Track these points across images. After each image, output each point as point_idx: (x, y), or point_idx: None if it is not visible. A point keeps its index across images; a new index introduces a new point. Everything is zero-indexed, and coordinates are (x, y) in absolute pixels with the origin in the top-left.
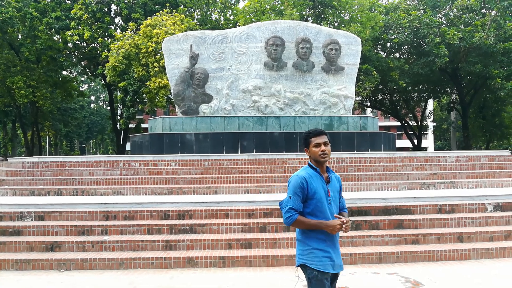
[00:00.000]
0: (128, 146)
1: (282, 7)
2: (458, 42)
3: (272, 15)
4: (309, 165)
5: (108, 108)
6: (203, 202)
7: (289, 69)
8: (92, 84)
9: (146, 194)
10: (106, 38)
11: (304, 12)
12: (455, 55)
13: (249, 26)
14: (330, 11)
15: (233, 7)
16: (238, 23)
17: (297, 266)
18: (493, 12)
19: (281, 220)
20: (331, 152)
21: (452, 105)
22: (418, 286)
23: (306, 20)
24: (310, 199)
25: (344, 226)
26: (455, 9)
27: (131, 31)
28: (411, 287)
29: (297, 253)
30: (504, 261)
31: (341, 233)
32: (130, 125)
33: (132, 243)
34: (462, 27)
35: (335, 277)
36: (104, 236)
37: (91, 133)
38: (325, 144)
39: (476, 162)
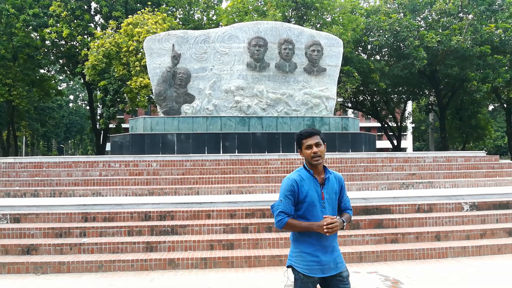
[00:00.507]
0: (108, 147)
1: (265, 8)
2: (436, 45)
3: (255, 15)
4: (304, 166)
5: (88, 107)
6: (184, 203)
7: (272, 69)
8: (71, 83)
9: (126, 195)
10: (85, 36)
11: (287, 13)
12: (434, 58)
13: (232, 26)
14: (312, 12)
15: (216, 7)
16: (221, 23)
17: (287, 267)
18: (470, 16)
19: (263, 220)
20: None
21: (430, 106)
22: (397, 285)
23: (289, 21)
24: (301, 202)
25: (325, 226)
26: (433, 13)
27: (111, 30)
28: (390, 286)
29: (289, 254)
30: (480, 259)
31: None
32: (110, 125)
33: (112, 245)
34: (440, 31)
35: (331, 279)
36: (83, 238)
37: (70, 133)
38: (317, 145)
39: (453, 163)
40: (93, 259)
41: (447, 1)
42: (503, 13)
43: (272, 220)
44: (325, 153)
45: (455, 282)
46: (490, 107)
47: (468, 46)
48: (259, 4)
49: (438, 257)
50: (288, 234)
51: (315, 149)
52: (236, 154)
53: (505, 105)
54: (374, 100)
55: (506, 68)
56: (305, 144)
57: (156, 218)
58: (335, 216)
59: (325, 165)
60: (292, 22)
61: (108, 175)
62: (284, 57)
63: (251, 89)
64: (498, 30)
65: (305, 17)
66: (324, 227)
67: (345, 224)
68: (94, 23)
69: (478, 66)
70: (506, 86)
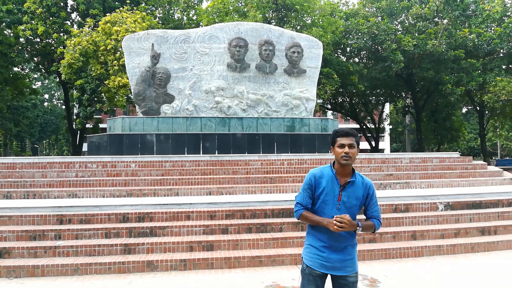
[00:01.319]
0: (85, 147)
1: (246, 9)
2: (412, 48)
3: (236, 16)
4: (331, 164)
5: (63, 107)
6: (164, 204)
7: (252, 70)
8: (46, 81)
9: (104, 197)
10: (61, 34)
11: (267, 15)
12: (410, 61)
13: (213, 26)
14: (292, 14)
15: (196, 7)
16: (201, 23)
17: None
18: (445, 21)
19: (243, 221)
20: (295, 154)
21: (407, 108)
22: (375, 283)
23: (269, 23)
24: (317, 198)
25: (334, 222)
26: (410, 17)
27: (89, 28)
28: (368, 285)
29: None
30: (454, 257)
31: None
32: (87, 125)
33: (88, 248)
34: (416, 35)
35: (337, 279)
36: (58, 241)
37: (44, 133)
38: (350, 146)
39: (428, 164)
40: (69, 262)
41: (423, 6)
42: (476, 19)
43: (252, 221)
44: (305, 154)
45: (431, 279)
46: (464, 110)
47: (443, 50)
48: (240, 5)
49: (414, 256)
50: (267, 236)
51: (347, 149)
52: (216, 155)
53: (477, 107)
54: (353, 102)
55: (479, 72)
56: (339, 142)
57: (134, 219)
58: (347, 216)
59: (354, 169)
60: (273, 23)
61: (84, 176)
62: (265, 58)
63: (231, 90)
64: (472, 35)
65: (285, 19)
66: (334, 223)
67: (359, 228)
68: (71, 20)
69: (452, 70)
70: (479, 89)
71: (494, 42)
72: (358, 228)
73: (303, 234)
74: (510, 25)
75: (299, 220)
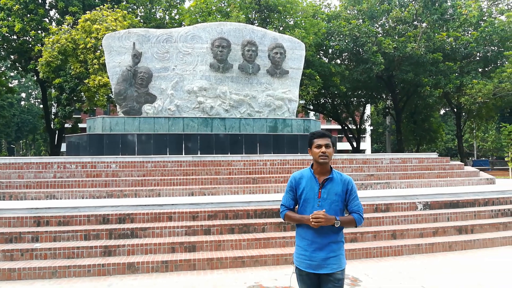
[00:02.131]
0: (63, 147)
1: (229, 9)
2: (392, 51)
3: (218, 16)
4: (311, 165)
5: (41, 106)
6: (145, 205)
7: (235, 71)
8: (23, 80)
9: (83, 198)
10: (39, 32)
11: (250, 15)
12: (390, 63)
13: (195, 26)
14: (275, 15)
15: (178, 6)
16: (183, 23)
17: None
18: (424, 24)
19: (226, 222)
20: (278, 154)
21: (387, 110)
22: (356, 282)
23: (252, 23)
24: (299, 198)
25: (311, 218)
26: (390, 20)
27: (68, 25)
28: (349, 284)
29: None
30: (433, 256)
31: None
32: (66, 125)
33: (67, 250)
34: (396, 37)
35: (324, 277)
36: (35, 243)
37: (21, 133)
38: (326, 146)
39: (408, 164)
40: (47, 265)
41: (403, 9)
42: (454, 23)
43: (235, 222)
44: (288, 154)
45: (410, 278)
46: (442, 112)
47: (422, 53)
48: (223, 5)
49: (395, 254)
50: (249, 236)
51: (324, 149)
52: (199, 155)
53: (455, 109)
54: (335, 103)
55: (456, 74)
56: (316, 143)
57: (115, 221)
58: (323, 211)
59: (332, 167)
60: (256, 24)
61: (63, 177)
62: (248, 58)
63: (214, 90)
64: (450, 39)
65: (268, 20)
66: (311, 219)
67: (337, 221)
68: (49, 18)
69: (431, 72)
70: (456, 91)
71: (471, 46)
72: (336, 221)
73: (286, 234)
74: (486, 29)
75: (286, 221)
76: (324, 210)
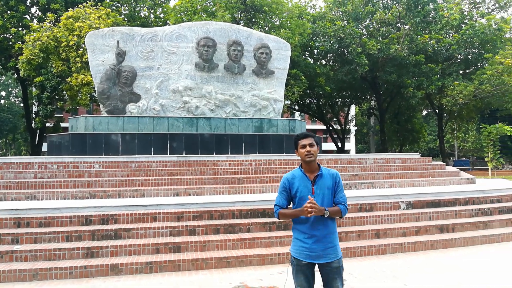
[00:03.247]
0: (44, 147)
1: (214, 9)
2: (376, 52)
3: (204, 15)
4: (299, 166)
5: (22, 105)
6: (129, 205)
7: (221, 71)
8: (3, 78)
9: (65, 199)
10: (20, 29)
11: (236, 15)
12: (374, 65)
13: (180, 25)
14: (261, 15)
15: (163, 5)
16: (168, 22)
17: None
18: (407, 27)
19: (211, 222)
20: (263, 154)
21: (371, 110)
22: None
23: (238, 23)
24: (294, 197)
25: (306, 207)
26: (374, 22)
27: (49, 23)
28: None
29: None
30: (415, 254)
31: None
32: (48, 124)
33: (48, 252)
34: (380, 39)
35: (322, 267)
36: (15, 245)
37: (1, 132)
38: (310, 145)
39: (391, 164)
40: (27, 267)
41: (387, 11)
42: (436, 25)
43: (220, 222)
44: (273, 155)
45: (394, 276)
46: (424, 112)
47: (405, 54)
48: (208, 4)
49: (378, 254)
50: (234, 236)
51: (308, 148)
52: (184, 155)
53: (437, 110)
54: (320, 103)
55: (438, 76)
56: (300, 144)
57: (98, 222)
58: (313, 201)
59: (319, 164)
60: (241, 24)
61: (44, 177)
62: (233, 58)
63: (199, 90)
64: (432, 41)
65: (254, 20)
66: (305, 208)
67: (326, 212)
68: (30, 15)
69: (414, 74)
70: (438, 93)
71: (452, 48)
72: (325, 212)
73: (271, 234)
74: (467, 32)
75: (281, 219)
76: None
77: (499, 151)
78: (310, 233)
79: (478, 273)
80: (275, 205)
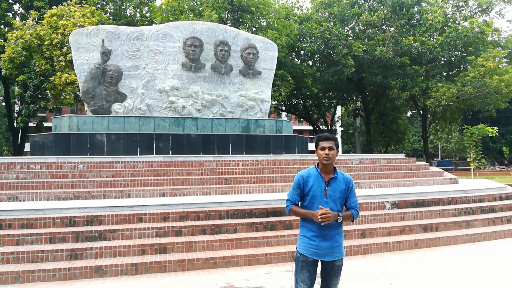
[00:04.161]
0: (27, 147)
1: (201, 8)
2: (362, 54)
3: (191, 15)
4: (316, 165)
5: (3, 104)
6: (114, 206)
7: (207, 71)
8: None
9: (48, 199)
10: (2, 26)
11: (223, 15)
12: (360, 66)
13: (167, 24)
14: (248, 16)
15: (149, 3)
16: (155, 21)
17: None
18: (392, 29)
19: (198, 223)
20: (250, 155)
21: (357, 111)
22: None
23: (225, 23)
24: (306, 195)
25: (319, 216)
26: (360, 24)
27: (33, 20)
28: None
29: None
30: (400, 253)
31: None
32: (30, 124)
33: (31, 254)
34: (366, 41)
35: (325, 264)
36: None
37: None
38: (330, 148)
39: (377, 164)
40: (9, 269)
41: (372, 13)
42: (420, 28)
43: (207, 222)
44: (260, 155)
45: (378, 275)
46: (409, 114)
47: (390, 56)
48: (195, 4)
49: (364, 253)
50: (221, 237)
51: (327, 151)
52: (170, 155)
53: (421, 111)
54: (307, 104)
55: (422, 78)
56: (320, 145)
57: (82, 223)
58: (328, 209)
59: (335, 167)
60: (228, 24)
61: (27, 178)
62: (220, 58)
63: (186, 90)
64: (416, 43)
65: (241, 20)
66: (318, 216)
67: (339, 217)
68: (13, 12)
69: (399, 75)
70: (422, 94)
71: (436, 50)
72: (338, 217)
73: (258, 235)
74: (451, 34)
75: (290, 214)
76: (328, 210)
77: (481, 152)
78: (318, 232)
79: (461, 271)
80: (288, 200)
